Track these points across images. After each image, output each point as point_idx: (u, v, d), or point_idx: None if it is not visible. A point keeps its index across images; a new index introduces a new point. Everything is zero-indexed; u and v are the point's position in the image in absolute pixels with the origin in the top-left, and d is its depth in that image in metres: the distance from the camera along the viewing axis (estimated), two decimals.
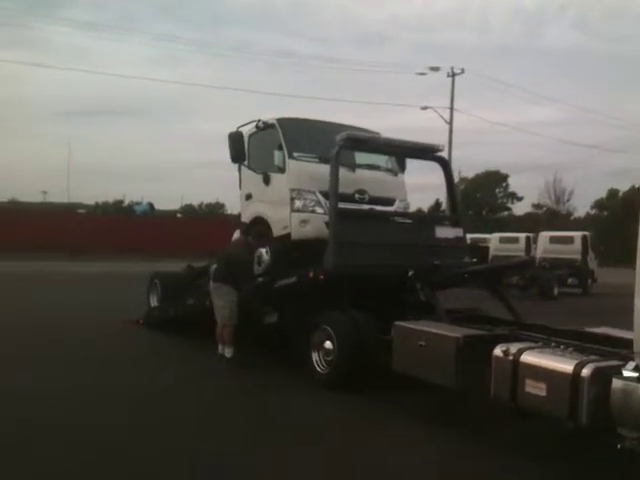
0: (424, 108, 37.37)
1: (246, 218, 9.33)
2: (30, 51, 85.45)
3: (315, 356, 7.52)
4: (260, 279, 8.71)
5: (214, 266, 9.77)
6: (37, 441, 5.26)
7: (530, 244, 25.04)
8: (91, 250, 32.82)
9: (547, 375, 4.99)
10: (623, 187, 61.53)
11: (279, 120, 8.77)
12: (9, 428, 5.54)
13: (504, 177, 65.85)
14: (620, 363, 4.89)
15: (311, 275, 7.51)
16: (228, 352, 8.35)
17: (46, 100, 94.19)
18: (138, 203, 50.04)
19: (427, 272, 7.12)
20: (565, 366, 4.89)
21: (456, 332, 5.98)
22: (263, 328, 8.88)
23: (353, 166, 8.62)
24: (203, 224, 42.74)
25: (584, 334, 6.26)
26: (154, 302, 12.18)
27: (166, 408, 6.38)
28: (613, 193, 61.42)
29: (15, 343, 9.55)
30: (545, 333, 6.33)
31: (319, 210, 8.21)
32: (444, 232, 8.16)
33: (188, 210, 67.30)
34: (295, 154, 8.39)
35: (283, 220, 8.33)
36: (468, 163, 66.32)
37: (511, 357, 5.28)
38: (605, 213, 61.00)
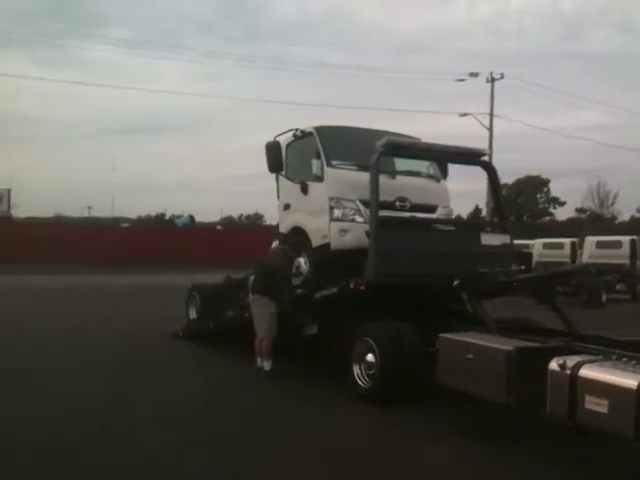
0: (463, 115, 36.83)
1: (284, 228, 9.17)
2: (75, 70, 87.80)
3: (356, 369, 7.28)
4: (299, 290, 8.54)
5: (252, 277, 9.64)
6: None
7: (576, 249, 24.29)
8: (135, 262, 33.21)
9: (609, 391, 4.65)
10: None
11: (317, 128, 8.61)
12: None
13: (545, 182, 64.44)
14: None
15: (352, 286, 7.28)
16: (267, 365, 8.19)
17: (90, 117, 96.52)
18: (179, 216, 50.58)
19: (473, 281, 6.81)
20: (629, 381, 4.54)
21: (507, 344, 5.67)
22: (303, 340, 8.68)
23: (393, 173, 8.39)
24: (243, 235, 43.00)
25: None
26: (193, 314, 12.11)
27: (210, 422, 6.27)
28: None
29: (61, 352, 9.62)
30: (602, 344, 5.97)
31: (359, 219, 8.00)
32: (490, 239, 7.84)
33: (228, 222, 67.87)
34: (334, 162, 8.21)
35: (322, 229, 8.14)
36: (509, 168, 64.74)
37: (568, 371, 4.94)
38: None
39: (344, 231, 7.95)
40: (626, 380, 4.58)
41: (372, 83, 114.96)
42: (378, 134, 8.54)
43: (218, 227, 55.42)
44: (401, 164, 8.72)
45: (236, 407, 6.92)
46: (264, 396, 7.39)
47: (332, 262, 8.02)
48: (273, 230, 10.05)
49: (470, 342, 5.95)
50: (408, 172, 8.65)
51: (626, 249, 22.53)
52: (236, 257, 32.51)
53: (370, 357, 7.05)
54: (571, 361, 5.01)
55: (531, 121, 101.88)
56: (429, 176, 8.84)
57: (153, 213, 62.62)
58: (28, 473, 4.86)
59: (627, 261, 21.81)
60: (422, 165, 8.85)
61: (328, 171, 8.15)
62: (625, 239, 23.28)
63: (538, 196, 65.57)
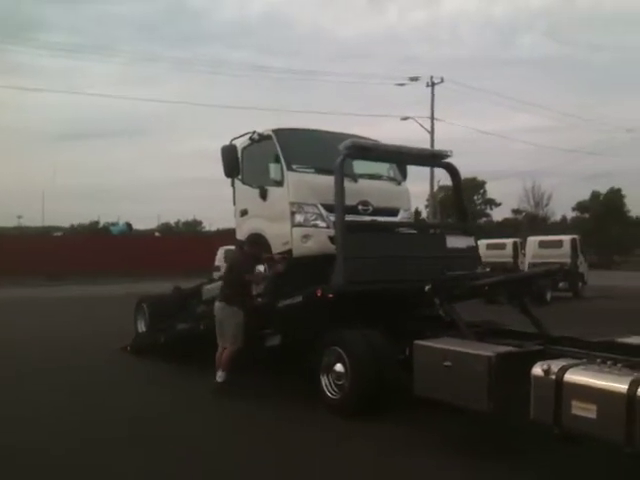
0: (404, 119, 37.08)
1: (242, 235, 8.81)
2: (10, 75, 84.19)
3: (325, 380, 7.00)
4: (260, 299, 8.20)
5: (210, 286, 9.26)
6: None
7: (518, 249, 24.81)
8: (69, 273, 31.91)
9: (598, 395, 4.54)
10: (602, 189, 62.35)
11: (275, 131, 8.30)
12: None
13: (482, 184, 66.12)
14: None
15: (320, 294, 7.01)
16: (220, 376, 7.73)
17: (27, 123, 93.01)
18: (114, 224, 49.15)
19: (446, 286, 6.67)
20: (619, 385, 4.45)
21: (487, 350, 5.52)
22: (266, 351, 8.34)
23: (355, 176, 8.17)
24: (183, 241, 42.16)
25: (617, 345, 5.84)
26: (142, 328, 11.53)
27: (155, 449, 5.76)
28: (595, 195, 61.94)
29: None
30: (577, 346, 5.92)
31: (321, 224, 7.75)
32: (455, 242, 7.73)
33: (165, 229, 66.45)
34: (294, 166, 7.92)
35: (283, 236, 7.85)
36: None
37: (553, 376, 4.82)
38: (586, 215, 61.45)
39: (306, 237, 7.68)
40: (615, 384, 4.49)
41: (313, 87, 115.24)
42: (338, 136, 8.33)
43: (156, 234, 54.20)
44: (362, 167, 8.52)
45: (187, 429, 6.40)
46: (224, 414, 6.99)
47: (295, 269, 7.75)
48: (220, 237, 9.68)
49: (447, 349, 5.78)
50: (370, 175, 8.46)
51: (567, 248, 23.17)
52: (177, 265, 31.90)
53: (339, 367, 6.79)
54: (555, 366, 4.90)
55: (471, 124, 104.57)
56: (390, 179, 8.68)
57: (86, 221, 60.53)
58: None
59: (569, 260, 22.41)
60: (383, 168, 8.69)
61: (288, 175, 7.86)
62: (567, 238, 23.95)
63: (475, 197, 67.17)
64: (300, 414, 6.85)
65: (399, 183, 8.74)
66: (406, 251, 7.43)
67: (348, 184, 7.56)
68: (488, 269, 7.77)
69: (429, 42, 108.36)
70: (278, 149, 8.01)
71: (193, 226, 73.43)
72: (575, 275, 22.29)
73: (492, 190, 69.00)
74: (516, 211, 66.78)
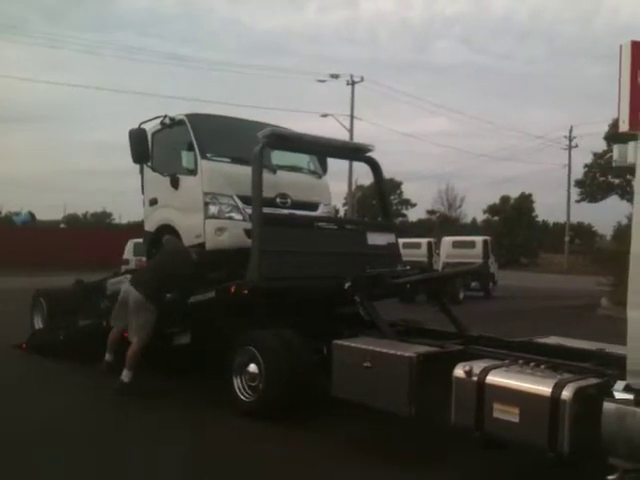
0: (324, 115, 37.06)
1: (151, 226, 8.25)
2: None
3: (237, 382, 6.58)
4: (169, 295, 7.66)
5: (114, 280, 8.62)
6: None
7: (432, 249, 25.18)
8: None
9: (520, 398, 4.39)
10: (509, 193, 64.94)
11: (189, 116, 7.79)
12: None
13: (398, 184, 67.30)
14: (599, 381, 4.40)
15: (234, 290, 6.58)
16: (127, 375, 7.13)
17: None
18: (17, 213, 46.33)
19: (366, 283, 6.41)
20: (542, 387, 4.31)
21: (408, 350, 5.29)
22: (174, 351, 7.81)
23: (274, 168, 7.79)
24: (91, 234, 40.36)
25: (537, 346, 5.78)
26: (39, 324, 10.66)
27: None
28: (505, 199, 64.40)
29: None
30: (497, 346, 5.80)
31: (237, 216, 7.33)
32: (376, 239, 7.50)
33: (72, 220, 63.57)
34: (208, 154, 7.45)
35: (195, 228, 7.36)
36: (367, 171, 67.07)
37: (475, 378, 4.65)
38: (496, 218, 63.80)
39: (221, 230, 7.24)
40: (538, 386, 4.35)
41: (230, 80, 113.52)
42: (256, 125, 7.92)
43: (62, 225, 51.74)
44: (280, 158, 8.15)
45: (87, 434, 5.86)
46: (133, 418, 6.45)
47: (207, 264, 7.29)
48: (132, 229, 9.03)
49: (367, 349, 5.52)
50: (289, 167, 8.10)
51: (480, 249, 23.75)
52: (83, 258, 30.43)
53: (253, 368, 6.40)
54: (477, 367, 4.72)
55: (389, 125, 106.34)
56: (310, 172, 8.36)
57: None
58: None
59: (481, 260, 22.93)
60: (303, 160, 8.35)
61: (202, 164, 7.38)
62: (479, 239, 24.56)
63: (392, 198, 68.34)
64: (207, 416, 6.43)
65: (320, 177, 8.44)
66: (326, 247, 7.12)
67: (266, 175, 7.16)
68: (408, 267, 7.57)
69: (348, 42, 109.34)
70: (191, 135, 7.53)
71: (102, 218, 70.60)
72: (487, 275, 22.84)
73: (408, 191, 70.62)
74: (430, 212, 68.62)
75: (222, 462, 5.22)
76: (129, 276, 8.53)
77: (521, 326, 12.69)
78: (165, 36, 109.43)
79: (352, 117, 37.72)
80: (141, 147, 7.90)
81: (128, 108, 62.88)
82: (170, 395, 7.25)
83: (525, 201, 61.54)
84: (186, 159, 7.58)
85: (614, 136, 36.98)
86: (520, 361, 4.85)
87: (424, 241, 25.45)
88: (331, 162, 8.84)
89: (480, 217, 69.01)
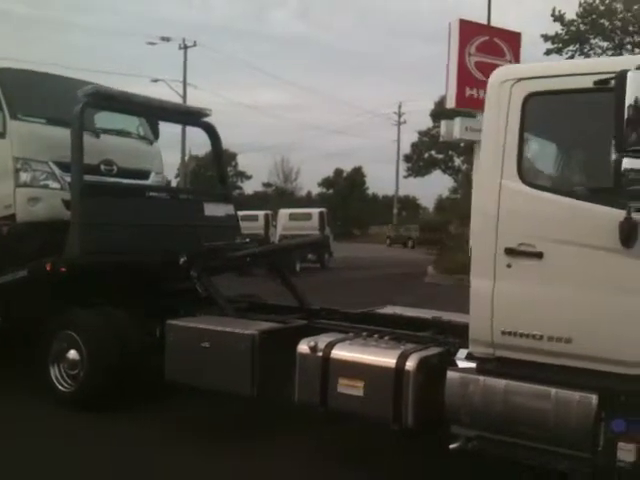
0: (155, 81, 35.20)
1: None
2: None
3: (54, 371, 5.89)
4: None
5: None
6: None
7: (269, 221, 25.15)
8: None
9: (365, 371, 4.29)
10: (343, 166, 67.11)
11: None
12: None
13: (233, 156, 66.52)
14: (440, 350, 4.42)
15: (50, 267, 5.82)
16: None
17: None
18: None
19: (203, 257, 5.97)
20: (387, 359, 4.23)
21: (249, 327, 4.99)
22: None
23: (97, 131, 7.00)
24: None
25: (377, 317, 5.76)
26: None
27: None
28: (339, 172, 66.32)
29: None
30: (338, 318, 5.70)
31: (54, 185, 6.51)
32: (214, 209, 7.04)
33: None
34: (19, 114, 6.51)
35: (4, 197, 6.43)
36: (200, 142, 65.48)
37: (320, 353, 4.46)
38: (331, 191, 65.60)
39: (34, 199, 6.38)
40: (384, 359, 4.26)
41: (55, 39, 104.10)
42: (75, 83, 7.05)
43: None
44: (105, 121, 7.35)
45: None
46: None
47: (16, 238, 6.40)
48: None
49: (205, 328, 5.13)
50: (115, 131, 7.33)
51: (316, 221, 24.11)
52: None
53: (73, 354, 5.76)
54: (322, 342, 4.54)
55: (224, 94, 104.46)
56: (140, 137, 7.63)
57: None
58: None
59: (317, 232, 23.28)
60: (131, 124, 7.60)
61: (12, 125, 6.44)
62: (315, 211, 24.95)
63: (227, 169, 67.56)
64: (18, 410, 5.68)
65: (150, 143, 7.74)
66: (158, 218, 6.54)
67: (88, 139, 6.41)
68: (248, 239, 7.24)
69: (179, 4, 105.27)
70: None
71: None
72: (324, 247, 23.23)
73: (243, 163, 70.07)
74: (266, 184, 68.85)
75: (36, 459, 4.59)
76: None
77: (356, 294, 13.03)
78: None
79: (185, 83, 36.33)
80: None
81: None
82: None
83: (357, 174, 63.94)
84: None
85: (439, 113, 39.38)
86: (364, 333, 4.75)
87: (261, 213, 25.36)
88: (163, 130, 8.19)
89: (315, 190, 70.64)
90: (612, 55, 23.34)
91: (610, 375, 3.52)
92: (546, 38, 25.39)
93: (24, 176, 6.38)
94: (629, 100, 3.20)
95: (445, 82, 17.39)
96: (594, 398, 3.45)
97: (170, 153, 37.63)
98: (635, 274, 3.47)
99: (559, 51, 25.24)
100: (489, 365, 3.92)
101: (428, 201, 68.42)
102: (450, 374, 3.95)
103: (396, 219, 55.51)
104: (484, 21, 19.69)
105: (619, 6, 24.82)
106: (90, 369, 5.62)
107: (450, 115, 18.68)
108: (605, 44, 25.49)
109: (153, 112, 7.30)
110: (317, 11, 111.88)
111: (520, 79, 4.01)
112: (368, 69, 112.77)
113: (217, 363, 4.96)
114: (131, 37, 77.97)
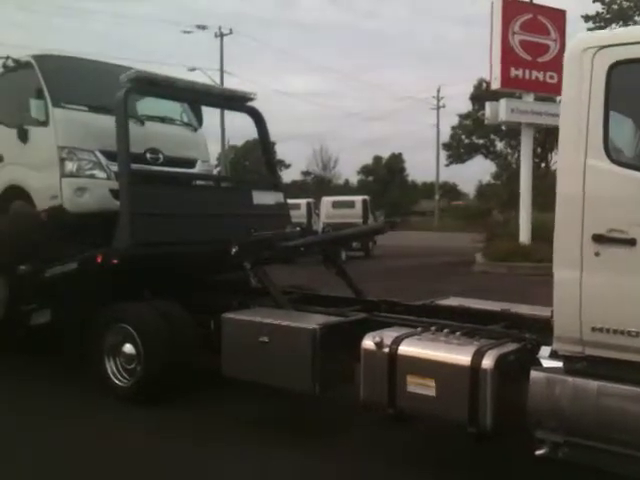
0: (191, 69, 35.13)
1: None
2: None
3: (111, 364, 5.72)
4: (23, 267, 6.53)
5: None
6: None
7: (311, 210, 24.88)
8: None
9: (437, 369, 3.95)
10: (382, 153, 66.28)
11: (37, 58, 6.60)
12: None
13: (272, 144, 66.55)
14: (517, 346, 4.05)
15: (100, 259, 5.64)
16: None
17: None
18: None
19: (256, 247, 5.70)
20: (460, 357, 3.89)
21: (309, 322, 4.70)
22: (31, 330, 6.72)
23: (141, 118, 6.79)
24: None
25: (440, 309, 5.40)
26: None
27: None
28: (378, 159, 65.59)
29: None
30: (399, 311, 5.37)
31: (100, 174, 6.32)
32: (263, 198, 6.77)
33: None
34: (62, 102, 6.34)
35: (50, 188, 6.28)
36: (239, 131, 65.56)
37: (387, 349, 4.14)
38: (370, 178, 65.01)
39: (82, 190, 6.21)
40: (457, 356, 3.92)
41: (84, 28, 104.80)
42: (117, 69, 6.84)
43: None
44: (148, 108, 7.14)
45: None
46: None
47: (66, 229, 6.25)
48: None
49: (262, 322, 4.85)
50: (159, 118, 7.12)
51: (359, 209, 23.77)
52: None
53: (129, 348, 5.57)
54: (388, 337, 4.22)
55: (264, 83, 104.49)
56: (184, 124, 7.40)
57: None
58: None
59: (360, 220, 22.92)
60: (175, 110, 7.38)
61: (56, 113, 6.27)
62: (358, 199, 24.59)
63: None
64: (73, 404, 5.56)
65: (195, 130, 7.50)
66: (207, 209, 6.31)
67: (132, 127, 6.20)
68: (298, 228, 6.96)
69: None
70: (41, 80, 6.37)
71: None
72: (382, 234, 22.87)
73: (281, 151, 69.92)
74: (305, 173, 68.58)
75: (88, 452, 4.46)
76: None
77: (407, 285, 12.67)
78: None
79: (222, 71, 36.18)
80: None
81: None
82: (26, 380, 6.24)
83: (396, 161, 63.13)
84: (35, 108, 6.39)
85: (478, 96, 38.40)
86: (432, 328, 4.41)
87: (303, 202, 25.05)
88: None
89: (353, 178, 70.06)
90: None
91: None
92: (587, 18, 24.40)
93: (70, 165, 6.22)
94: None
95: (489, 62, 16.78)
96: None
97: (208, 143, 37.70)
98: None
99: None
100: (579, 365, 3.54)
101: (467, 187, 67.19)
102: (534, 374, 3.58)
103: (438, 206, 54.67)
104: None
105: None
106: (147, 363, 5.44)
107: (491, 98, 18.00)
108: None
109: (198, 97, 7.04)
110: None
111: (604, 46, 3.59)
112: (404, 54, 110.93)
113: (276, 359, 4.69)
114: (169, 26, 77.82)
